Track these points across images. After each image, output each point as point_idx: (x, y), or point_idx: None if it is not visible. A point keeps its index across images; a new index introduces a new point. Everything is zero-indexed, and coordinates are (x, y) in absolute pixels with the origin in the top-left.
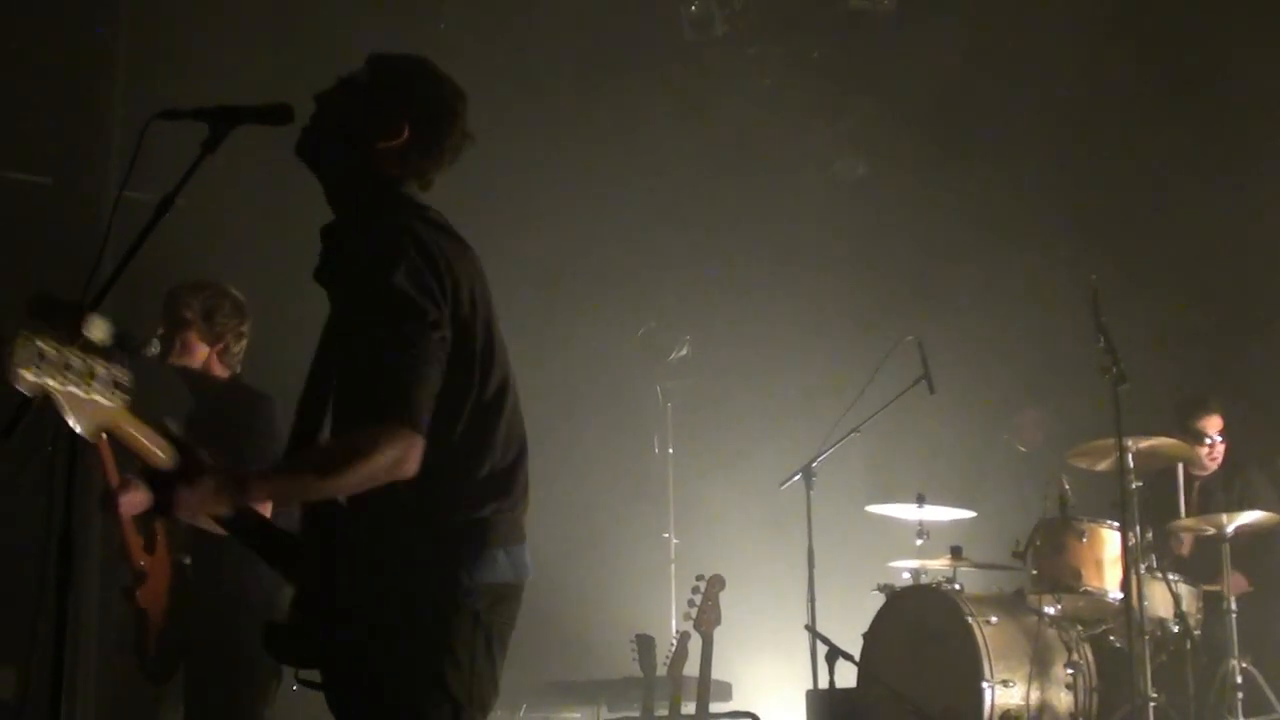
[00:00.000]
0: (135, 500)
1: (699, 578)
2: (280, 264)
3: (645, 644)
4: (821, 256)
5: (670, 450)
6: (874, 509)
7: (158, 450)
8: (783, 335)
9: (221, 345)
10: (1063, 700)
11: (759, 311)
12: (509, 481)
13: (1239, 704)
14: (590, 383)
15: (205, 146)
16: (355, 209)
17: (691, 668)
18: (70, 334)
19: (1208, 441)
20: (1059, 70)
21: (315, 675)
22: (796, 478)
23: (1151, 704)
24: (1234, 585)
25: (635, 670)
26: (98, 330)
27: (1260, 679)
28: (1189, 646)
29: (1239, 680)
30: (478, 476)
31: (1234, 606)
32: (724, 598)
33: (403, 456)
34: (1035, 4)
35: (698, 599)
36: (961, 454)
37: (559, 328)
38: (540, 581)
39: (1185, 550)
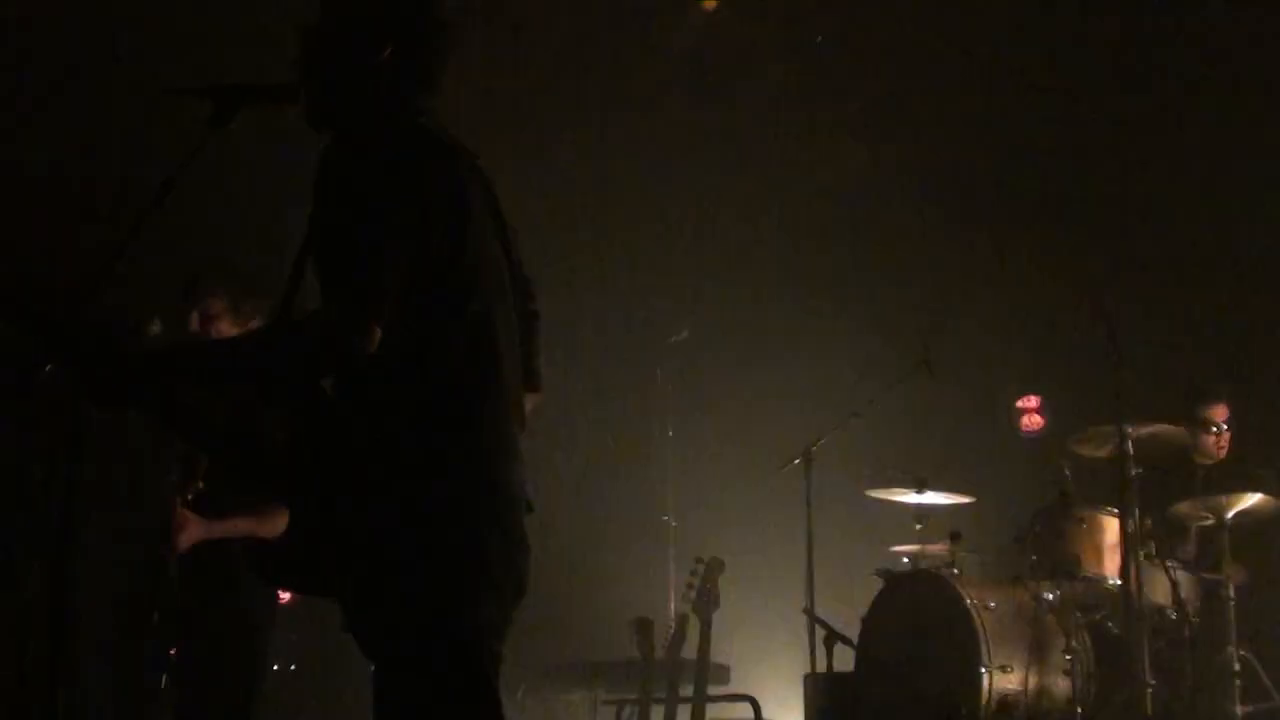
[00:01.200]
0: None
1: (698, 560)
2: (279, 244)
3: (644, 627)
4: (822, 240)
5: (670, 433)
6: (873, 493)
7: None
8: (783, 318)
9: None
10: (1060, 686)
11: (759, 294)
12: (462, 402)
13: (1236, 692)
14: (590, 365)
15: (211, 125)
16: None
17: (690, 651)
18: None
19: (1214, 430)
20: (1065, 55)
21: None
22: (796, 461)
23: (1149, 690)
24: (1234, 576)
25: (633, 653)
26: None
27: (1258, 667)
28: (1187, 634)
29: (1237, 668)
30: (421, 395)
31: (1233, 594)
32: (723, 581)
33: (339, 329)
34: None
35: (696, 582)
36: (961, 439)
37: (559, 309)
38: (538, 563)
39: (1193, 555)
